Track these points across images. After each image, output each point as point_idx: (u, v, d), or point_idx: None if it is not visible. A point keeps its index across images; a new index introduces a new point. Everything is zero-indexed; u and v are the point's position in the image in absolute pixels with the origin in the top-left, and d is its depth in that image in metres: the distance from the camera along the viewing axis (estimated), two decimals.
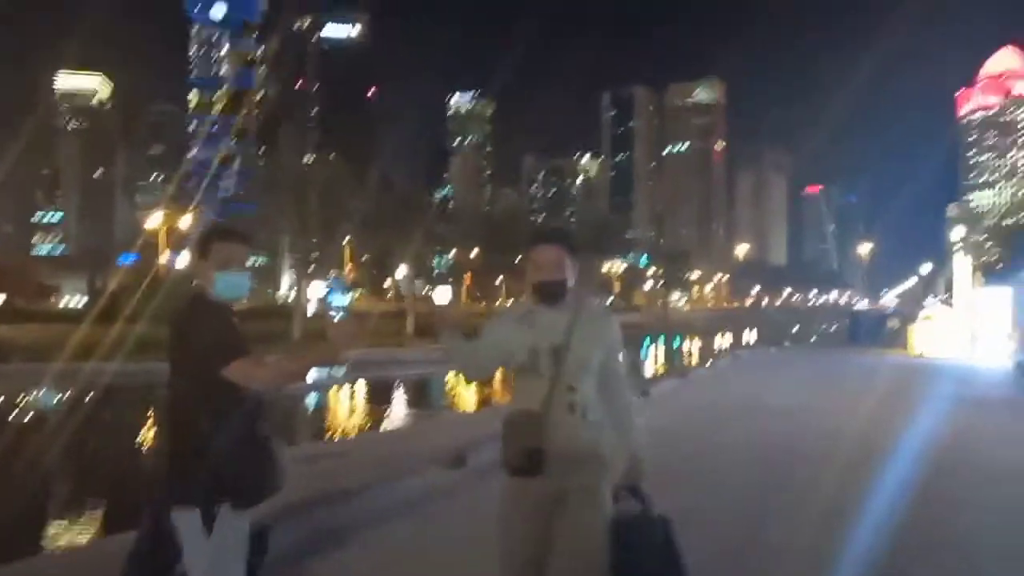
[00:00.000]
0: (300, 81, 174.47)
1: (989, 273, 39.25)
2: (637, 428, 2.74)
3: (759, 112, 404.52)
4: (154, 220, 54.10)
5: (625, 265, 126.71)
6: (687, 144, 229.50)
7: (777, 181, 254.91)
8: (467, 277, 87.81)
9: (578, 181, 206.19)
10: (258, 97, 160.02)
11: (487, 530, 2.67)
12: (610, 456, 2.60)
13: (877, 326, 31.99)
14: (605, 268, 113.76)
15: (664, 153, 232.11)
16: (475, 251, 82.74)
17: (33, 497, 8.12)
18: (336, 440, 11.61)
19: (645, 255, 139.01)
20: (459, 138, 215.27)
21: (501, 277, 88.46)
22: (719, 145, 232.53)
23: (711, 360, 20.54)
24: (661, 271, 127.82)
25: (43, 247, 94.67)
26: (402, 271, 59.52)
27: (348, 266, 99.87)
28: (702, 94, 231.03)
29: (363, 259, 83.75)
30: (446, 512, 5.35)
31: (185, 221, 56.46)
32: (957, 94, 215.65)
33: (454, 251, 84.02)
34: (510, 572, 2.58)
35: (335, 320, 2.50)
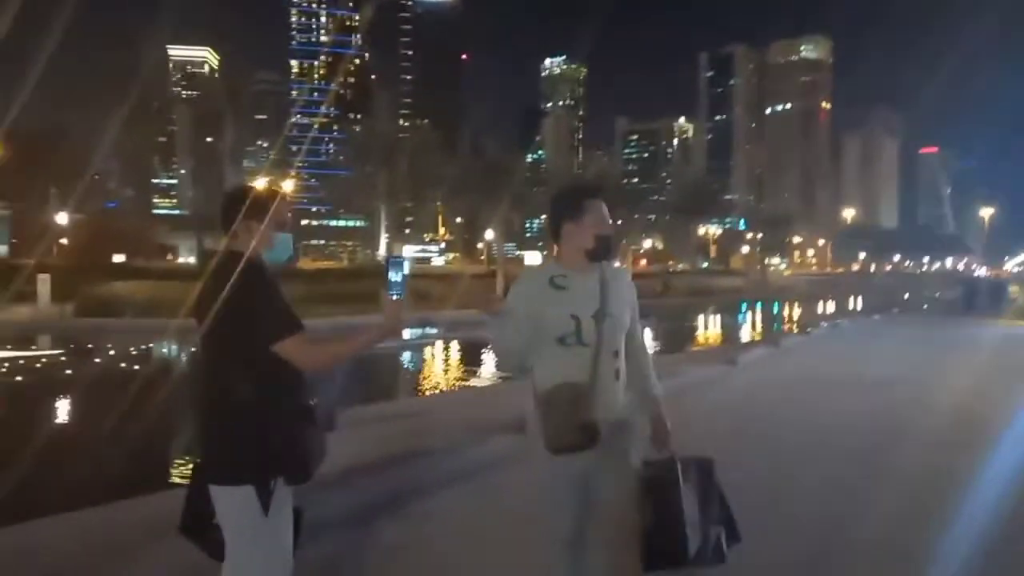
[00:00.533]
0: (395, 47, 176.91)
1: None
2: (658, 390, 2.71)
3: (868, 71, 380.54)
4: (259, 184, 56.54)
5: (722, 229, 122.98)
6: (790, 105, 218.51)
7: (887, 143, 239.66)
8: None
9: (674, 143, 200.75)
10: (355, 64, 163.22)
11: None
12: (637, 419, 2.60)
13: (995, 294, 29.71)
14: (702, 231, 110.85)
15: (766, 113, 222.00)
16: None
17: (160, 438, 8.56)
18: (412, 400, 11.70)
19: (743, 219, 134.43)
20: (550, 102, 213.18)
21: None
22: (825, 105, 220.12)
23: (808, 328, 19.54)
24: (760, 235, 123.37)
25: (161, 209, 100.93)
26: (490, 234, 59.97)
27: (441, 230, 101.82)
28: (807, 51, 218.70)
29: (456, 222, 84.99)
30: (507, 479, 5.18)
31: (287, 185, 58.72)
32: None
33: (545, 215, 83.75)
34: (559, 546, 2.51)
35: (390, 298, 2.39)
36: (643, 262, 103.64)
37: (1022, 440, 6.39)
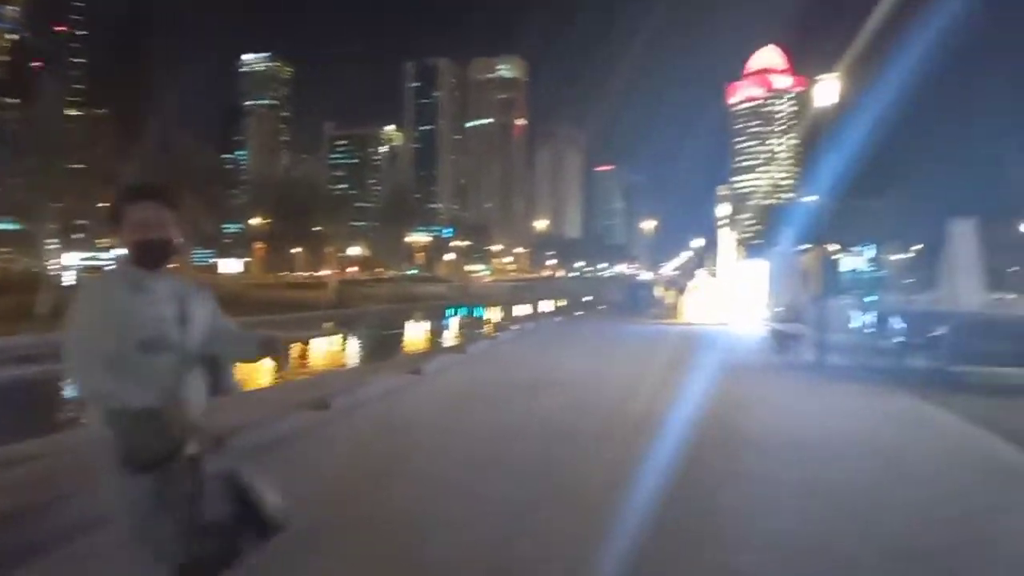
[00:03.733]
0: (62, 24, 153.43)
1: (749, 247, 43.48)
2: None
3: (558, 91, 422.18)
4: None
5: (429, 237, 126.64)
6: (490, 120, 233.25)
7: (573, 158, 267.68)
8: (259, 246, 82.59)
9: (381, 151, 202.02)
10: (9, 41, 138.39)
11: None
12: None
13: (650, 295, 34.24)
14: (409, 239, 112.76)
15: (468, 126, 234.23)
16: (269, 220, 77.87)
17: None
18: None
19: (450, 227, 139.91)
20: (253, 101, 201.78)
21: (299, 248, 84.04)
22: (520, 121, 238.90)
23: (496, 332, 20.39)
24: (465, 243, 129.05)
25: None
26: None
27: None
28: (504, 70, 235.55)
29: None
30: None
31: None
32: (727, 85, 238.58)
33: (255, 219, 78.29)
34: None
35: None
36: (353, 268, 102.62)
37: (675, 432, 6.83)
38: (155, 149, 63.62)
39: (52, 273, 49.40)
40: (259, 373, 14.24)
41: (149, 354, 2.30)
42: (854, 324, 15.87)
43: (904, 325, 12.02)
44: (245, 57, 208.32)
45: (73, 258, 66.52)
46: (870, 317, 14.62)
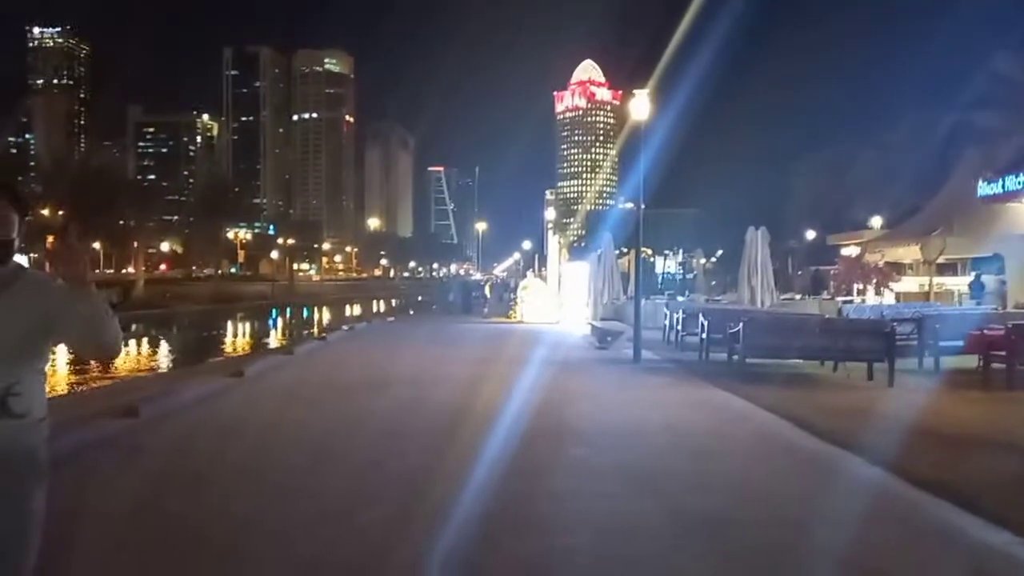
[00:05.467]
0: None
1: (573, 250, 45.54)
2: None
3: (386, 91, 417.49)
4: None
5: (251, 234, 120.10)
6: (316, 114, 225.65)
7: (403, 158, 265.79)
8: (51, 241, 74.29)
9: (197, 141, 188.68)
10: None
11: None
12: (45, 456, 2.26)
13: (480, 295, 35.01)
14: (230, 235, 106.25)
15: (294, 119, 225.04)
16: (62, 211, 70.08)
17: None
18: None
19: (273, 224, 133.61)
20: (41, 78, 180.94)
21: (97, 243, 76.38)
22: (348, 118, 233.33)
23: (324, 333, 19.81)
24: (290, 241, 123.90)
25: None
26: None
27: None
28: (330, 64, 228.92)
29: None
30: None
31: None
32: (555, 93, 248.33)
33: (46, 210, 69.83)
34: None
35: None
36: (163, 267, 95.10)
37: (504, 426, 7.02)
38: None
39: None
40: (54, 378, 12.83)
41: None
42: (666, 322, 17.16)
43: (707, 322, 13.18)
44: (35, 30, 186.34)
45: None
46: (679, 315, 15.88)
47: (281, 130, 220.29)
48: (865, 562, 3.88)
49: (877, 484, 5.24)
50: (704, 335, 13.02)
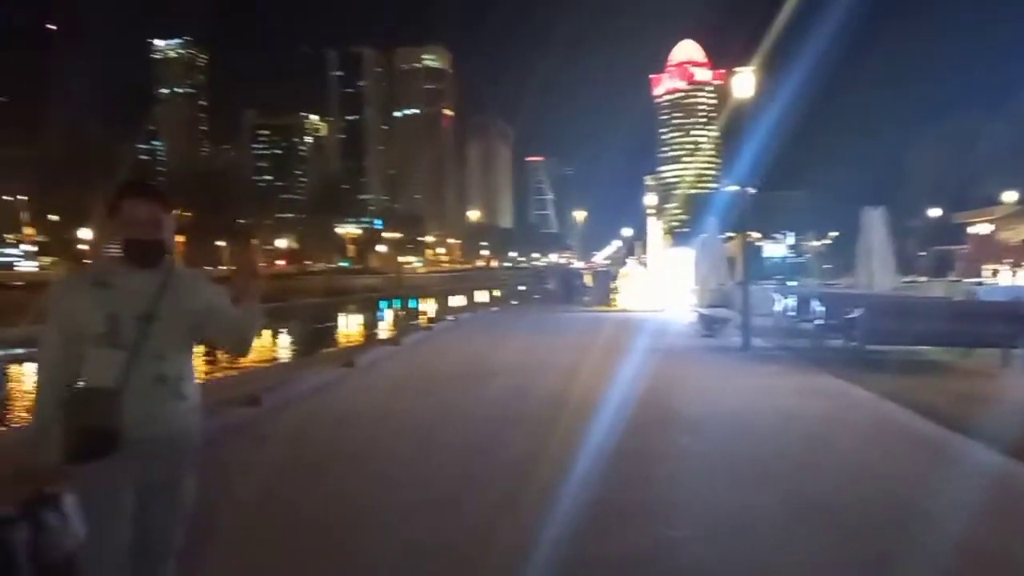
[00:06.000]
0: None
1: (676, 235, 44.53)
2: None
3: (484, 83, 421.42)
4: None
5: (360, 229, 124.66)
6: (417, 110, 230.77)
7: (503, 150, 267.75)
8: (179, 240, 79.66)
9: (307, 141, 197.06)
10: None
11: None
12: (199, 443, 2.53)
13: (580, 284, 34.76)
14: (340, 231, 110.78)
15: (396, 116, 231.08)
16: (189, 212, 75.02)
17: None
18: None
19: (379, 219, 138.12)
20: (167, 88, 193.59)
21: (223, 241, 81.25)
22: (448, 112, 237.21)
23: (432, 323, 20.29)
24: (396, 235, 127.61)
25: None
26: (88, 233, 51.62)
27: (29, 229, 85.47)
28: (430, 60, 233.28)
29: (51, 219, 71.90)
30: None
31: None
32: (652, 76, 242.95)
33: (175, 212, 75.20)
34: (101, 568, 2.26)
35: None
36: (280, 261, 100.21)
37: (610, 414, 6.98)
38: (63, 138, 60.50)
39: None
40: None
41: (100, 349, 2.31)
42: (777, 308, 16.50)
43: (823, 308, 12.56)
44: (158, 43, 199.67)
45: None
46: (791, 301, 15.22)
47: (384, 127, 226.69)
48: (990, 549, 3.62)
49: (1007, 474, 4.87)
50: (819, 321, 12.42)
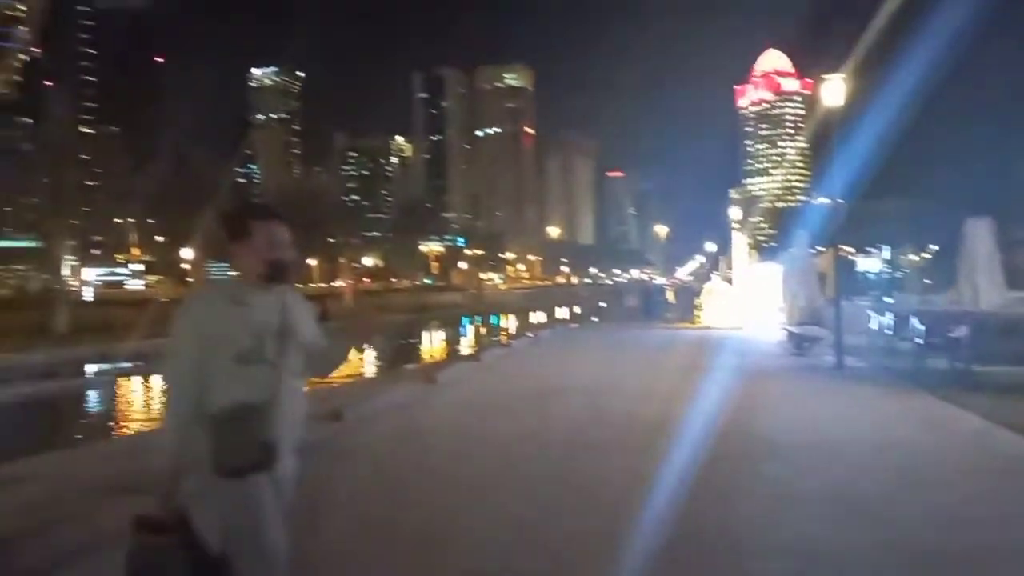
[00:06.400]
0: (74, 44, 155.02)
1: (763, 250, 43.20)
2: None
3: (566, 99, 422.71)
4: None
5: (443, 247, 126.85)
6: (499, 128, 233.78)
7: (583, 166, 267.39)
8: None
9: (393, 162, 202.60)
10: (21, 60, 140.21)
11: None
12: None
13: (662, 300, 34.08)
14: (424, 249, 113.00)
15: (478, 135, 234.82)
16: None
17: None
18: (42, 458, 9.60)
19: (462, 237, 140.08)
20: (262, 114, 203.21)
21: (313, 259, 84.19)
22: (528, 129, 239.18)
23: (512, 340, 20.34)
24: (478, 252, 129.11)
25: None
26: (190, 253, 54.41)
27: (136, 250, 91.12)
28: (511, 79, 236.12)
29: (157, 240, 76.41)
30: None
31: None
32: (736, 87, 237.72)
33: None
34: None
35: None
36: (367, 280, 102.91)
37: (691, 441, 6.75)
38: (168, 164, 64.17)
39: (70, 290, 49.82)
40: None
41: (244, 366, 2.37)
42: (872, 326, 15.71)
43: (922, 326, 11.86)
44: (254, 71, 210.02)
45: (91, 274, 67.09)
46: (888, 318, 14.46)
47: (467, 146, 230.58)
48: None
49: None
50: (919, 340, 11.72)
